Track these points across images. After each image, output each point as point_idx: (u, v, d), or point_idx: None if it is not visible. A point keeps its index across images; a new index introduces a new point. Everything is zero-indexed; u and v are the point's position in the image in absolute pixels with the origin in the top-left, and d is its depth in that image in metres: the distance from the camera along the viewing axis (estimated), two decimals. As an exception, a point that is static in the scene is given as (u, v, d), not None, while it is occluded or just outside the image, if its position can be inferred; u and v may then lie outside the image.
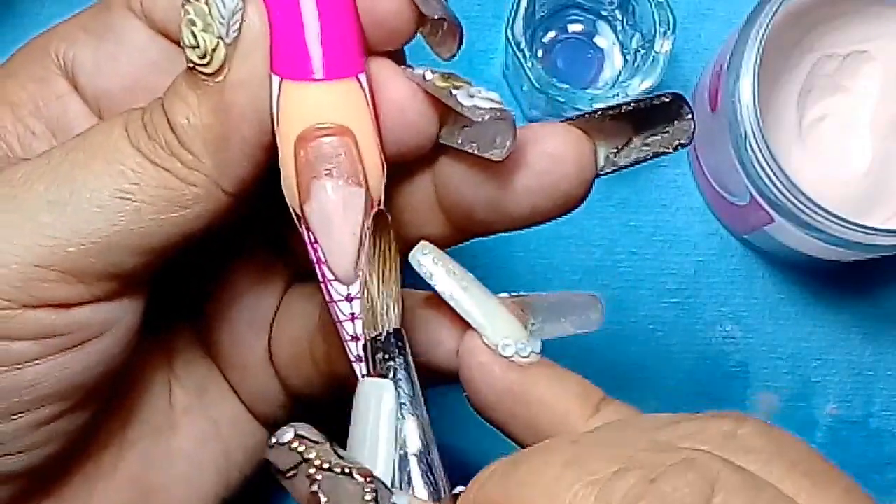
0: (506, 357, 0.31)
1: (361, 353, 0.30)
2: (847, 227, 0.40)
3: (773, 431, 0.26)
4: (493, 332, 0.31)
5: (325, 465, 0.27)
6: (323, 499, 0.27)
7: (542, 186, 0.30)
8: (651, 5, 0.42)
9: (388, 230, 0.29)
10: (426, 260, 0.31)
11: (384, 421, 0.29)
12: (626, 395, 0.47)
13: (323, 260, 0.29)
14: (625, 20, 0.45)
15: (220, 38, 0.27)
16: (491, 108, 0.28)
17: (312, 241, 0.29)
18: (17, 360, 0.29)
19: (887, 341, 0.48)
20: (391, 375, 0.30)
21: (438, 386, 0.33)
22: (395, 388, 0.30)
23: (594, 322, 0.33)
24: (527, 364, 0.31)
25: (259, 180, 0.30)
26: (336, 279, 0.29)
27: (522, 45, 0.42)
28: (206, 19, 0.27)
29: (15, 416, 0.29)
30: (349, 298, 0.30)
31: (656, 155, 0.30)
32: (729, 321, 0.47)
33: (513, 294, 0.32)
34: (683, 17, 0.45)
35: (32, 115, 0.32)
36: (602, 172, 0.30)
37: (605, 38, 0.46)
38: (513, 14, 0.42)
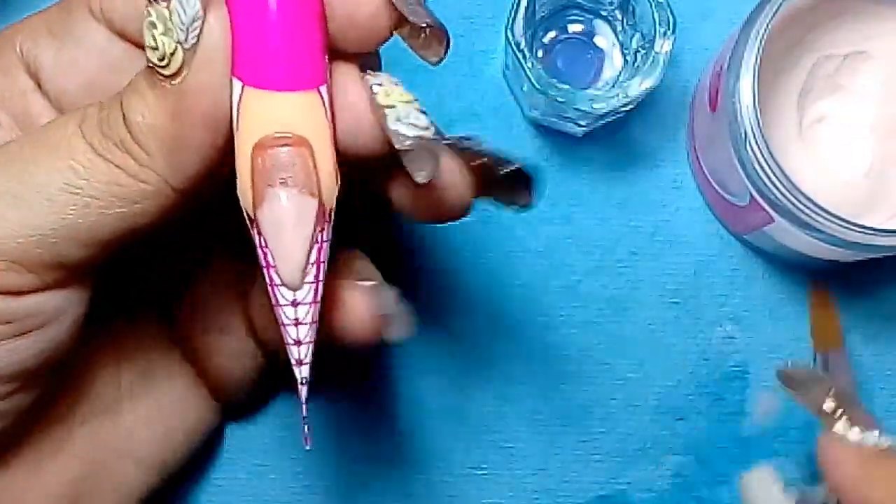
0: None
1: (302, 358, 0.31)
2: (847, 227, 0.40)
3: None
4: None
5: None
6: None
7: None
8: (651, 5, 0.42)
9: None
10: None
11: None
12: (626, 395, 0.47)
13: (272, 264, 0.30)
14: (625, 20, 0.45)
15: (179, 42, 0.28)
16: (413, 136, 0.29)
17: (263, 245, 0.30)
18: None
19: (887, 341, 0.48)
20: None
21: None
22: None
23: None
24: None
25: (210, 176, 0.30)
26: (283, 284, 0.30)
27: (522, 46, 0.42)
28: (166, 24, 0.28)
29: None
30: (294, 304, 0.30)
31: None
32: (729, 321, 0.47)
33: None
34: (683, 17, 0.45)
35: None
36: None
37: (605, 39, 0.46)
38: (513, 14, 0.42)
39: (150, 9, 0.28)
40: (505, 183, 0.33)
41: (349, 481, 0.46)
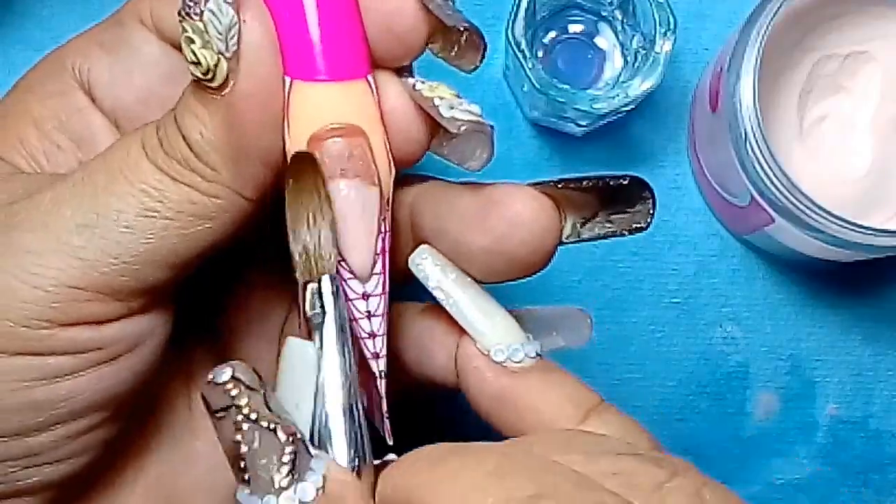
0: (497, 362, 0.31)
1: (378, 350, 0.30)
2: (847, 228, 0.40)
3: (703, 490, 0.26)
4: (487, 337, 0.31)
5: (253, 416, 0.27)
6: (243, 448, 0.27)
7: (501, 250, 0.30)
8: (651, 6, 0.42)
9: (316, 171, 0.29)
10: (426, 263, 0.31)
11: (307, 381, 0.29)
12: (626, 395, 0.47)
13: (339, 259, 0.29)
14: (625, 21, 0.45)
15: (220, 53, 0.27)
16: (469, 121, 0.28)
17: None
18: (53, 374, 0.29)
19: (887, 341, 0.48)
20: (320, 325, 0.29)
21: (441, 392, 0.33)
22: (321, 344, 0.29)
23: (584, 336, 0.33)
24: (519, 369, 0.30)
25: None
26: (353, 277, 0.30)
27: (523, 46, 0.42)
28: (203, 37, 0.27)
29: (52, 428, 0.30)
30: (365, 296, 0.30)
31: (614, 235, 0.31)
32: (729, 321, 0.47)
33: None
34: (683, 18, 0.45)
35: (56, 129, 0.33)
36: (566, 241, 0.31)
37: (606, 39, 0.46)
38: (513, 14, 0.42)
39: (184, 24, 0.27)
40: (622, 199, 0.31)
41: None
